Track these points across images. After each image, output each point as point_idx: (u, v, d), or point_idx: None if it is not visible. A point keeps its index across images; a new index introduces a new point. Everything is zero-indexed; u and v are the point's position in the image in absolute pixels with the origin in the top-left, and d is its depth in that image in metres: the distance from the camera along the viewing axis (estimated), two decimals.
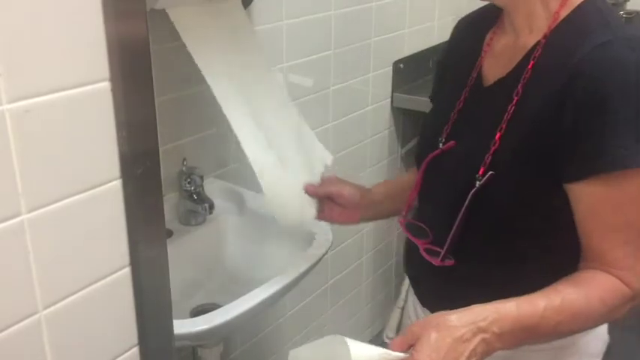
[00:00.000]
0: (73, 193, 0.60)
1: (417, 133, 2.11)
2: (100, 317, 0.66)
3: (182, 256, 1.25)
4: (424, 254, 0.97)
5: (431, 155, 0.98)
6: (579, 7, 0.87)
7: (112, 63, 0.60)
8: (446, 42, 1.16)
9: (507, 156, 0.87)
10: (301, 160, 1.15)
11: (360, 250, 2.10)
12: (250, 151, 1.06)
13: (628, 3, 2.15)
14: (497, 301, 0.80)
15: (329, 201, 1.13)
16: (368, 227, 2.10)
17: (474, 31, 1.04)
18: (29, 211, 0.56)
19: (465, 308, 0.79)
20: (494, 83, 0.94)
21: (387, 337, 1.23)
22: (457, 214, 0.90)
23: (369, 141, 1.98)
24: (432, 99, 1.15)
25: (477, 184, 0.87)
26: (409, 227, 1.03)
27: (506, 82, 0.90)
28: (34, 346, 0.60)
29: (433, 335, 0.75)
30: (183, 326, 0.99)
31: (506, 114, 0.87)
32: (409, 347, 0.78)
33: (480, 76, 0.98)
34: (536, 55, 0.87)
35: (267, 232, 1.31)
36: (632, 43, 0.81)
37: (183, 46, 1.05)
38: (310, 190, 1.12)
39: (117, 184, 0.64)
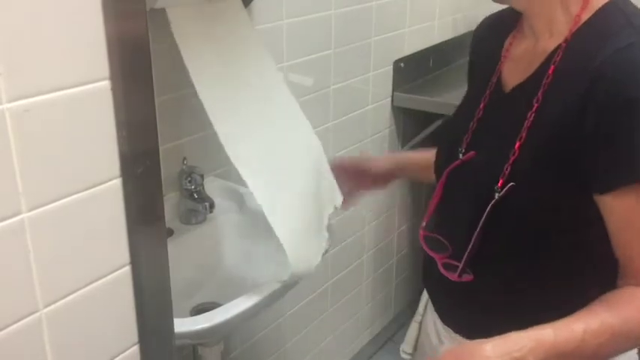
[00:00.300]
0: (73, 192, 0.60)
1: (417, 132, 2.11)
2: (101, 316, 0.66)
3: (182, 255, 1.25)
4: (442, 269, 0.93)
5: (451, 166, 0.95)
6: (601, 9, 0.84)
7: (112, 62, 0.60)
8: (463, 40, 1.14)
9: (527, 165, 0.84)
10: (311, 200, 1.15)
11: (361, 250, 2.10)
12: (251, 183, 1.07)
13: None
14: (534, 328, 0.77)
15: (359, 174, 1.24)
16: (369, 226, 2.10)
17: (493, 35, 1.01)
18: (29, 210, 0.57)
19: (501, 337, 0.76)
20: (514, 89, 0.91)
21: (404, 352, 1.22)
22: (475, 228, 0.87)
23: (370, 140, 1.97)
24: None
25: (496, 195, 0.84)
26: (428, 240, 0.99)
27: (526, 88, 0.88)
28: (34, 345, 0.61)
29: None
30: (183, 325, 0.99)
31: (526, 121, 0.84)
32: None
33: (499, 82, 0.95)
34: (557, 59, 0.84)
35: (267, 231, 1.31)
36: None
37: None
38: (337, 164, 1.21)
39: (117, 183, 0.64)
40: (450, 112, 1.17)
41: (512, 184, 0.84)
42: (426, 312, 1.15)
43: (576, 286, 0.85)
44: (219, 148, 1.42)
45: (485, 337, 0.79)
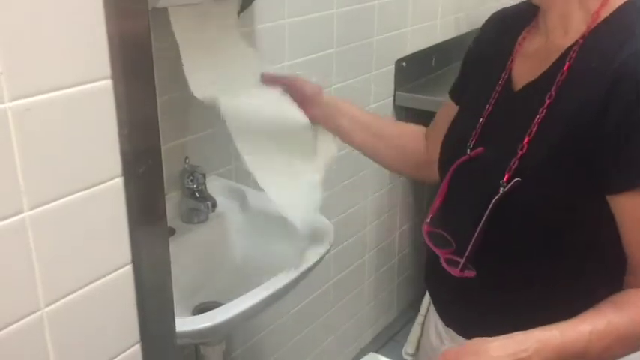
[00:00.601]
0: (74, 191, 0.60)
1: None
2: (102, 315, 0.66)
3: (184, 254, 1.25)
4: (444, 264, 0.93)
5: (458, 162, 0.93)
6: (619, 9, 0.83)
7: (114, 61, 0.60)
8: (472, 36, 1.11)
9: (536, 161, 0.83)
10: (297, 155, 1.17)
11: (363, 249, 2.10)
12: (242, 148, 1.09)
13: None
14: (540, 328, 0.76)
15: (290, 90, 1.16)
16: (370, 225, 2.10)
17: (505, 29, 0.99)
18: (31, 209, 0.57)
19: (507, 336, 0.75)
20: (525, 86, 0.90)
21: (407, 353, 1.21)
22: (478, 223, 0.86)
23: None
24: (453, 95, 1.10)
25: (501, 190, 0.84)
26: (432, 236, 0.97)
27: (539, 85, 0.87)
28: (36, 344, 0.61)
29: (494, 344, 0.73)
30: (185, 324, 0.99)
31: (537, 117, 0.83)
32: None
33: (510, 78, 0.93)
34: (573, 56, 0.83)
35: (269, 230, 1.31)
36: None
37: None
38: (268, 78, 1.17)
39: (119, 182, 0.64)
40: None
41: (517, 179, 0.83)
42: (429, 313, 1.15)
43: (583, 285, 0.85)
44: (221, 147, 1.42)
45: (486, 336, 0.79)
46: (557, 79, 0.83)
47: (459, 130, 0.99)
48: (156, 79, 0.65)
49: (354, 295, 2.12)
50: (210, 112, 1.36)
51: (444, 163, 0.99)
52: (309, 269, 1.17)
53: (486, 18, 1.08)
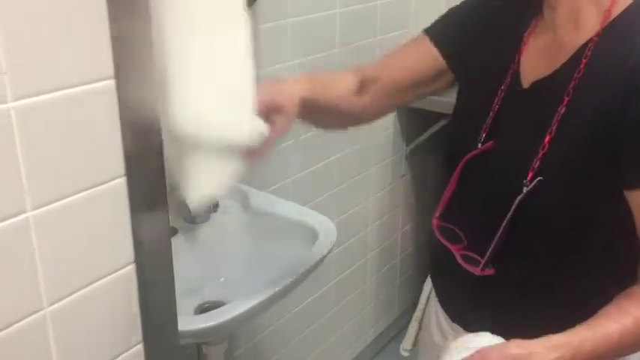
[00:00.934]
0: (77, 190, 0.60)
1: (421, 131, 2.11)
2: (105, 314, 0.66)
3: (186, 253, 1.25)
4: (461, 261, 0.91)
5: (469, 155, 0.92)
6: (629, 8, 0.84)
7: (117, 61, 0.60)
8: None
9: (558, 160, 0.83)
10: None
11: (365, 249, 2.10)
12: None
13: None
14: (572, 332, 0.76)
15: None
16: (372, 226, 2.10)
17: (507, 17, 0.96)
18: (34, 209, 0.57)
19: (543, 340, 0.75)
20: (536, 83, 0.89)
21: (404, 350, 1.21)
22: (497, 220, 0.86)
23: (374, 139, 1.97)
24: (438, 40, 1.03)
25: (525, 189, 0.83)
26: (442, 231, 0.96)
27: (552, 82, 0.86)
28: (39, 343, 0.61)
29: None
30: (187, 323, 1.00)
31: (556, 115, 0.83)
32: None
33: (517, 74, 0.93)
34: (589, 54, 0.83)
35: (271, 230, 1.31)
36: None
37: None
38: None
39: (121, 182, 0.64)
40: None
41: (540, 178, 0.83)
42: (427, 309, 1.15)
43: (598, 285, 0.84)
44: None
45: (500, 336, 0.79)
46: (574, 77, 0.83)
47: (466, 123, 0.97)
48: None
49: (356, 295, 2.12)
50: None
51: (452, 155, 0.98)
52: (311, 269, 1.17)
53: None
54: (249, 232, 1.35)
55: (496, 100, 0.93)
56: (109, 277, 0.65)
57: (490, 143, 0.91)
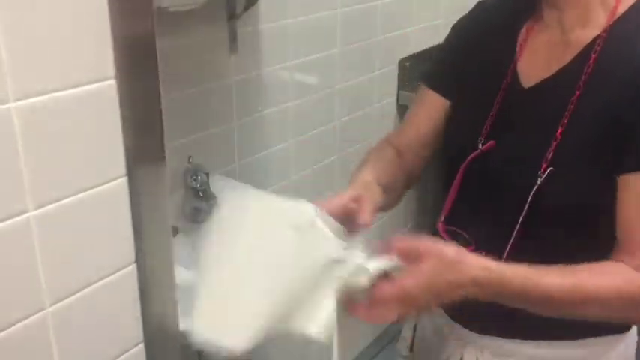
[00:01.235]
0: (79, 190, 0.60)
1: None
2: (106, 314, 0.66)
3: (187, 253, 1.25)
4: None
5: (471, 157, 0.94)
6: (634, 5, 0.87)
7: (119, 61, 0.60)
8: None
9: (571, 153, 0.85)
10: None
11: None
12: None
13: None
14: (512, 265, 0.77)
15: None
16: (373, 226, 2.09)
17: (502, 21, 0.98)
18: (35, 209, 0.57)
19: (482, 258, 0.76)
20: (540, 82, 0.91)
21: (400, 355, 1.21)
22: (508, 218, 0.87)
23: (375, 139, 1.97)
24: (437, 86, 1.05)
25: (539, 181, 0.85)
26: (450, 235, 0.96)
27: (561, 79, 0.88)
28: (40, 343, 0.61)
29: (437, 267, 0.73)
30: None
31: (568, 109, 0.85)
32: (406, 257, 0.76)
33: (516, 75, 0.94)
34: (597, 49, 0.86)
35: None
36: None
37: (190, 44, 1.05)
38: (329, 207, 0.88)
39: (123, 182, 0.64)
40: None
41: (551, 169, 0.85)
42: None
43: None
44: (224, 146, 1.43)
45: (501, 336, 0.82)
46: (584, 72, 0.85)
47: (465, 127, 0.98)
48: (160, 79, 0.65)
49: None
50: (213, 111, 1.37)
51: (452, 159, 0.99)
52: None
53: None
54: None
55: (495, 101, 0.94)
56: (110, 277, 0.65)
57: (491, 143, 0.92)
